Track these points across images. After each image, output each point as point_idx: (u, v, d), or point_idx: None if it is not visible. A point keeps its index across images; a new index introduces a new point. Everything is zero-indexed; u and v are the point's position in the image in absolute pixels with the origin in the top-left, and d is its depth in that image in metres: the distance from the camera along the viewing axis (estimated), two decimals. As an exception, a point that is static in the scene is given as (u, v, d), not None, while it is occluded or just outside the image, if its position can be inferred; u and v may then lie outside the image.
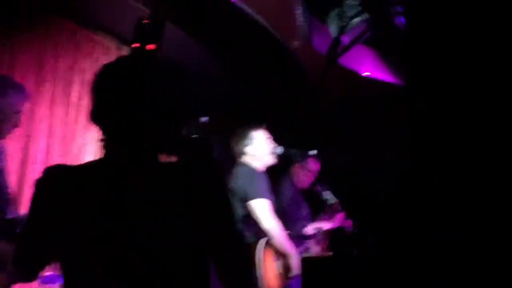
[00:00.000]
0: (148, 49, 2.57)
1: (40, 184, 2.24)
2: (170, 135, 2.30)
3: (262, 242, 4.98)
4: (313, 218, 6.63)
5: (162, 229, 2.14)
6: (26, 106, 4.46)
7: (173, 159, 2.34)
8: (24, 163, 5.93)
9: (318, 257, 5.56)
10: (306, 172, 6.77)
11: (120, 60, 2.36)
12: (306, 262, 2.12)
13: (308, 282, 2.07)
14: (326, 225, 6.39)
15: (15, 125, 4.30)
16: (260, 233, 4.98)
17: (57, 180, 2.20)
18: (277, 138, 5.65)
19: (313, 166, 6.76)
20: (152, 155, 2.27)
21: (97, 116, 2.25)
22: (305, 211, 6.62)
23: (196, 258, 2.23)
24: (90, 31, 6.91)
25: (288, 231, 5.43)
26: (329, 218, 6.52)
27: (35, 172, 5.94)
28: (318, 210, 6.80)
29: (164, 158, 2.34)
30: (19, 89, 4.28)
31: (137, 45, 2.62)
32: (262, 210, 5.01)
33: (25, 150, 5.95)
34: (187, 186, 2.21)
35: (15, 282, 3.96)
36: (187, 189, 2.20)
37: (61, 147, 6.47)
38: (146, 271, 2.12)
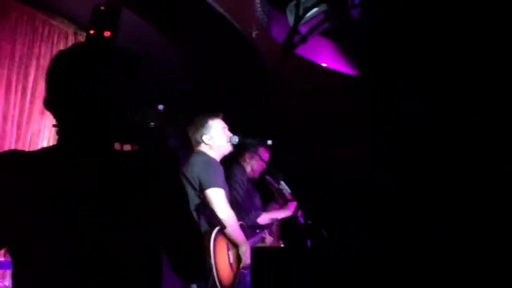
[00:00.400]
0: (105, 36, 2.56)
1: None
2: (124, 123, 2.29)
3: (215, 231, 5.00)
4: (264, 207, 6.64)
5: (114, 218, 2.14)
6: None
7: (127, 147, 2.34)
8: (-22, 148, 5.89)
9: (270, 247, 5.58)
10: (257, 161, 6.74)
11: (75, 47, 2.36)
12: (257, 252, 2.13)
13: (259, 272, 2.08)
14: (279, 215, 6.39)
15: None
16: (213, 222, 4.99)
17: (8, 166, 2.18)
18: (233, 127, 5.66)
19: (264, 155, 6.73)
20: (106, 143, 2.27)
21: (51, 103, 2.24)
22: (257, 200, 6.62)
23: (149, 247, 2.23)
24: (48, 16, 6.85)
25: (241, 222, 5.46)
26: (281, 207, 6.53)
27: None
28: (269, 200, 6.82)
29: (118, 147, 2.34)
30: None
31: (93, 31, 2.60)
32: (217, 199, 5.02)
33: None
34: (141, 175, 2.21)
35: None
36: (141, 178, 2.20)
37: (16, 132, 6.42)
38: (97, 261, 2.11)
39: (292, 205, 6.38)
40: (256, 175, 6.74)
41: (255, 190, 6.73)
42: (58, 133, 2.31)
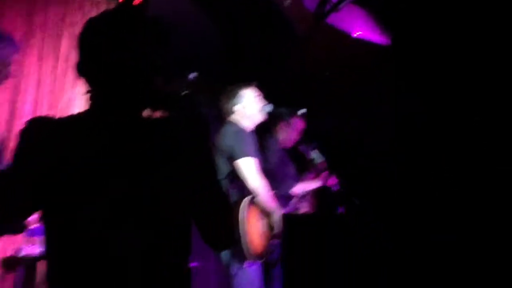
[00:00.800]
0: (135, 3, 2.56)
1: (24, 135, 2.24)
2: (154, 91, 2.30)
3: (246, 200, 5.01)
4: (299, 177, 6.61)
5: (142, 184, 2.15)
6: (16, 58, 4.46)
7: (157, 115, 2.35)
8: (12, 115, 5.93)
9: (301, 215, 5.58)
10: (291, 130, 6.72)
11: (105, 14, 2.36)
12: (288, 220, 2.13)
13: (289, 239, 2.08)
14: (312, 185, 6.38)
15: (5, 77, 4.31)
16: (245, 191, 5.00)
17: (41, 131, 2.20)
18: (266, 97, 5.64)
19: (299, 124, 6.70)
20: (135, 110, 2.27)
21: (82, 69, 2.26)
22: (291, 170, 6.60)
23: (178, 215, 2.24)
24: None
25: (275, 191, 5.46)
26: (314, 177, 6.51)
27: (23, 125, 5.94)
28: (303, 169, 6.79)
29: (147, 114, 2.35)
30: (9, 41, 4.28)
31: (124, -1, 2.62)
32: (249, 168, 5.03)
33: (13, 102, 5.94)
34: (169, 142, 2.22)
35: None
36: (169, 145, 2.21)
37: (50, 100, 6.47)
38: (127, 226, 2.13)
39: (325, 175, 6.35)
40: (289, 144, 6.69)
41: (289, 160, 6.71)
42: (89, 99, 2.33)
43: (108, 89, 2.22)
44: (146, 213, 2.15)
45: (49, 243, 2.24)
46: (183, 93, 2.40)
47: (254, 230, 4.99)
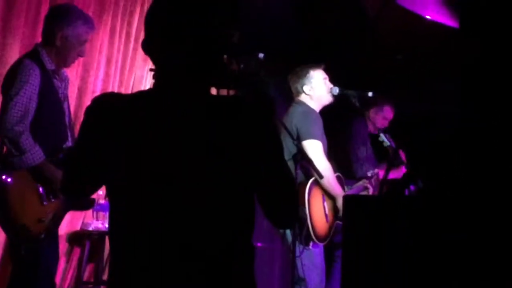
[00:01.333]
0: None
1: (90, 111, 2.27)
2: (222, 68, 2.30)
3: (310, 181, 5.01)
4: (378, 164, 6.57)
5: (209, 162, 2.15)
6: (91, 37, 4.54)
7: (224, 92, 2.35)
8: (82, 91, 6.01)
9: (363, 195, 5.52)
10: (381, 118, 6.76)
11: None
12: (348, 200, 2.10)
13: (350, 220, 2.06)
14: (391, 175, 6.28)
15: (80, 55, 4.40)
16: (310, 173, 5.00)
17: (107, 108, 2.22)
18: (335, 78, 5.62)
19: (388, 113, 6.75)
20: (203, 87, 2.27)
21: (149, 46, 2.27)
22: (371, 155, 6.61)
23: (242, 193, 2.24)
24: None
25: (338, 174, 5.46)
26: (393, 168, 6.40)
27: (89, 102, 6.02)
28: (384, 157, 6.75)
29: (214, 91, 2.35)
30: (86, 20, 4.36)
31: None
32: (314, 150, 5.03)
33: (83, 78, 6.01)
34: (237, 121, 2.21)
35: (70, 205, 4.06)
36: (237, 124, 2.20)
37: (120, 78, 6.54)
38: (192, 204, 2.13)
39: (403, 168, 6.31)
40: (376, 131, 6.70)
41: (371, 146, 6.71)
42: (154, 77, 2.34)
43: (176, 65, 2.23)
44: (210, 191, 2.15)
45: (112, 219, 2.27)
46: (251, 71, 2.39)
47: (317, 212, 5.00)
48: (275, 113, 2.38)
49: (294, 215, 2.44)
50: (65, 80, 4.41)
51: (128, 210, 2.18)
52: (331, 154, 5.59)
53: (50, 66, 4.20)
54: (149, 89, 2.39)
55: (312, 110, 5.35)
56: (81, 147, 2.29)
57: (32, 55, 4.18)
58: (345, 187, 5.54)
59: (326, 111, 5.61)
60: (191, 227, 2.12)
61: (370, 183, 5.95)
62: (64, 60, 4.28)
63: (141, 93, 2.49)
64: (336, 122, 6.51)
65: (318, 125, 5.23)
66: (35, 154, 3.94)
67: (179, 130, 2.16)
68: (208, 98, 2.27)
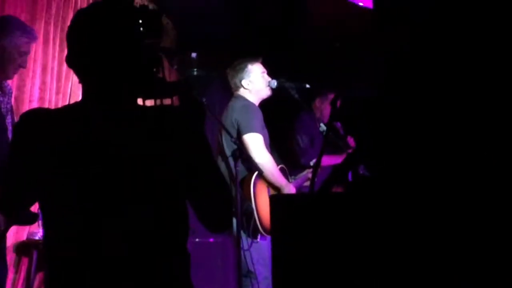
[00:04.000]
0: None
1: (18, 128, 2.30)
2: (147, 79, 2.32)
3: (254, 176, 5.05)
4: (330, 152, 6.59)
5: (138, 173, 2.17)
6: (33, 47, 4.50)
7: (151, 102, 2.37)
8: (19, 101, 5.94)
9: (291, 194, 5.54)
10: (327, 106, 6.83)
11: (95, 5, 2.38)
12: (276, 200, 2.11)
13: (278, 222, 2.07)
14: (334, 160, 6.33)
15: (21, 66, 4.35)
16: (252, 167, 5.04)
17: (34, 124, 2.25)
18: (273, 71, 5.67)
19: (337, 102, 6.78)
20: (129, 99, 2.30)
21: (72, 61, 2.28)
22: (319, 145, 6.67)
23: (175, 200, 2.27)
24: (83, -33, 6.88)
25: (282, 165, 5.51)
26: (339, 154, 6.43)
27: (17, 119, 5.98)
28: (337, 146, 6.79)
29: (140, 102, 2.37)
30: (25, 30, 4.31)
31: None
32: (254, 144, 5.07)
33: (20, 88, 5.95)
34: (163, 130, 2.24)
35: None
36: (163, 134, 2.23)
37: (57, 84, 6.48)
38: (124, 214, 2.16)
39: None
40: (326, 120, 6.77)
41: (321, 136, 6.76)
42: (82, 89, 2.36)
43: (100, 79, 2.26)
44: (141, 201, 2.17)
45: (46, 234, 2.30)
46: (178, 80, 2.42)
47: (264, 205, 5.04)
48: (203, 117, 2.40)
49: (227, 219, 2.48)
50: (8, 93, 4.37)
51: (61, 224, 2.20)
52: (276, 146, 5.66)
53: None
54: (76, 103, 2.41)
55: (251, 104, 5.40)
56: (11, 165, 2.31)
57: None
58: (289, 178, 5.59)
59: (272, 103, 5.67)
60: (124, 238, 2.15)
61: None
62: (4, 72, 4.23)
63: (69, 107, 2.51)
64: (282, 114, 6.58)
65: (257, 119, 5.28)
66: None
67: (107, 143, 2.18)
68: (134, 109, 2.30)
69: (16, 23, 4.35)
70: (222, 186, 2.40)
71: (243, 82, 5.50)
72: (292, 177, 5.73)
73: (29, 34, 4.32)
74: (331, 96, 6.68)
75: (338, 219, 2.00)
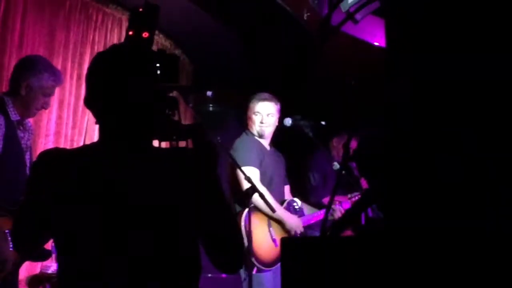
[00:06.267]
0: (143, 36, 2.62)
1: (35, 168, 2.33)
2: (163, 121, 2.35)
3: (247, 210, 4.98)
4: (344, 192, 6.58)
5: (153, 215, 2.19)
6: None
7: (166, 145, 2.40)
8: (35, 135, 5.98)
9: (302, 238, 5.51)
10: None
11: (114, 48, 2.42)
12: (286, 243, 2.11)
13: (288, 265, 2.07)
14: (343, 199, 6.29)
15: (44, 107, 4.40)
16: (247, 201, 4.98)
17: (51, 165, 2.27)
18: (288, 109, 5.68)
19: (352, 142, 6.80)
20: (145, 141, 2.32)
21: (91, 103, 2.31)
22: (331, 184, 6.66)
23: (187, 241, 2.28)
24: (101, 3, 6.96)
25: (291, 199, 5.53)
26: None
27: (47, 143, 6.04)
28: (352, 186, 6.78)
29: (157, 144, 2.40)
30: (53, 73, 4.35)
31: (132, 33, 2.67)
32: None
33: (37, 122, 5.99)
34: (177, 173, 2.26)
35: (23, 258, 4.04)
36: (178, 175, 2.26)
37: (73, 119, 6.54)
38: (138, 253, 2.17)
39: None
40: (339, 159, 6.76)
41: (334, 175, 6.76)
42: (99, 130, 2.38)
43: (118, 122, 2.28)
44: (155, 241, 2.19)
45: (59, 266, 2.32)
46: (193, 123, 2.45)
47: (260, 239, 5.02)
48: (216, 159, 2.42)
49: (238, 261, 2.48)
50: (28, 130, 4.40)
51: (75, 262, 2.22)
52: (292, 182, 5.68)
53: (14, 117, 4.17)
54: (93, 143, 2.44)
55: (251, 138, 5.46)
56: (26, 204, 2.33)
57: None
58: (304, 211, 5.59)
59: (286, 141, 5.69)
60: (134, 277, 2.17)
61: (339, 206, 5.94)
62: (27, 111, 4.27)
63: (85, 148, 2.54)
64: (296, 152, 6.59)
65: (254, 152, 5.29)
66: None
67: (121, 185, 2.20)
68: (150, 151, 2.32)
69: (46, 64, 4.39)
70: (233, 229, 2.42)
71: (250, 116, 5.56)
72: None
73: (56, 77, 4.36)
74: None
75: (348, 264, 2.00)
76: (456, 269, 1.82)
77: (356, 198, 5.93)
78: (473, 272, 1.79)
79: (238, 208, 5.13)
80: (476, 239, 1.83)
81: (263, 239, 5.06)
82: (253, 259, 4.91)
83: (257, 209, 5.07)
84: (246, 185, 4.85)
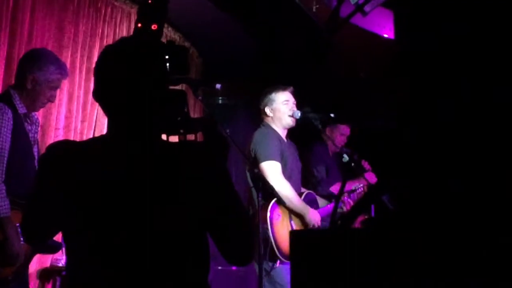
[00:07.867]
0: (152, 29, 2.62)
1: (43, 161, 2.33)
2: (172, 114, 2.35)
3: (273, 202, 5.04)
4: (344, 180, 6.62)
5: (161, 207, 2.19)
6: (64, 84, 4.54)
7: (175, 138, 2.40)
8: (45, 129, 6.00)
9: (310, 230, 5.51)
10: (337, 135, 6.85)
11: (123, 41, 2.42)
12: (295, 236, 2.09)
13: (297, 258, 2.05)
14: (351, 185, 6.30)
15: (50, 100, 4.40)
16: (271, 194, 5.02)
17: (60, 157, 2.27)
18: (298, 102, 5.68)
19: (345, 129, 6.87)
20: (154, 134, 2.32)
21: (99, 96, 2.31)
22: (336, 173, 6.70)
23: (196, 233, 2.28)
24: (111, -4, 6.98)
25: (308, 191, 5.53)
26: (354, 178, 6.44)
27: (57, 137, 6.04)
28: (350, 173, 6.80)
29: (165, 138, 2.40)
30: (59, 66, 4.35)
31: (141, 25, 2.67)
32: (271, 171, 5.07)
33: (46, 116, 6.01)
34: (187, 166, 2.26)
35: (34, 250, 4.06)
36: (187, 169, 2.25)
37: (82, 113, 6.56)
38: (143, 246, 2.17)
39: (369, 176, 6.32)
40: (338, 149, 6.76)
41: (335, 164, 6.79)
42: (108, 123, 2.39)
43: (127, 114, 2.27)
44: (164, 235, 2.19)
45: (68, 259, 2.32)
46: (203, 116, 2.45)
47: (281, 231, 5.04)
48: (226, 154, 2.42)
49: (248, 254, 2.47)
50: (35, 123, 4.41)
51: (84, 255, 2.22)
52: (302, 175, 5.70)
53: (21, 110, 4.19)
54: (101, 136, 2.44)
55: (270, 131, 5.42)
56: (37, 197, 2.33)
57: (5, 98, 4.18)
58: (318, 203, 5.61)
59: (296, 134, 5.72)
60: (144, 270, 2.17)
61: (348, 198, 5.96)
62: (33, 104, 4.27)
63: (94, 140, 2.54)
64: (301, 146, 6.59)
65: (275, 146, 5.28)
66: (2, 207, 3.93)
67: (132, 177, 2.20)
68: (158, 144, 2.32)
69: (51, 57, 4.39)
70: (244, 222, 2.40)
71: (266, 109, 5.51)
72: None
73: (62, 70, 4.36)
74: (340, 125, 6.76)
75: (358, 256, 1.99)
76: (465, 259, 1.82)
77: (360, 190, 5.96)
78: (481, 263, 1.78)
79: (263, 201, 5.10)
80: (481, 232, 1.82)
81: (286, 231, 5.08)
82: (276, 251, 4.94)
83: (280, 202, 5.09)
84: (271, 179, 4.91)
